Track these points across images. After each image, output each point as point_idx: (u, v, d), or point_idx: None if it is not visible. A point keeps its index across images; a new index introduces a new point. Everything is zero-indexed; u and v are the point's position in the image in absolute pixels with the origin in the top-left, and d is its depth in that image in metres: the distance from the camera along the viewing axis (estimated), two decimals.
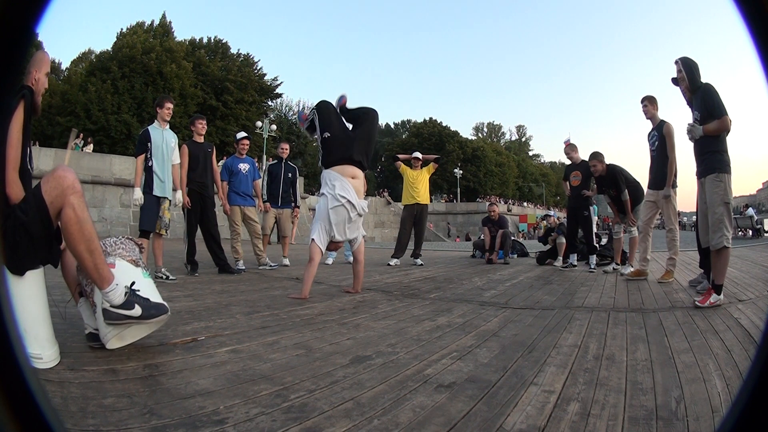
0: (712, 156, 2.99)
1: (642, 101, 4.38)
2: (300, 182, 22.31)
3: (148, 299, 1.61)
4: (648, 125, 4.38)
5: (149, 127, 4.14)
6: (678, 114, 3.92)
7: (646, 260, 4.40)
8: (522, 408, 1.34)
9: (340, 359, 1.82)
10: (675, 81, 3.41)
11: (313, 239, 3.33)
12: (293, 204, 5.96)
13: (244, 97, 30.25)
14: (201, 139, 4.75)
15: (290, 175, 5.87)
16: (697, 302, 2.86)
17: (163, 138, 4.11)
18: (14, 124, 1.60)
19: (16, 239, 1.51)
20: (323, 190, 3.42)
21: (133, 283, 1.60)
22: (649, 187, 4.34)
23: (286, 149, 5.96)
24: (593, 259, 5.51)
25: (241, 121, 29.04)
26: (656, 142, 4.21)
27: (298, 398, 1.39)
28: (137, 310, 1.53)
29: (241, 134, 5.51)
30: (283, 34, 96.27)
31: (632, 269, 4.70)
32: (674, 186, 4.17)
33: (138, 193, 3.99)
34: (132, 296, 1.57)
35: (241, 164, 5.29)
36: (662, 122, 4.21)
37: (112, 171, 15.98)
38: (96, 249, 1.56)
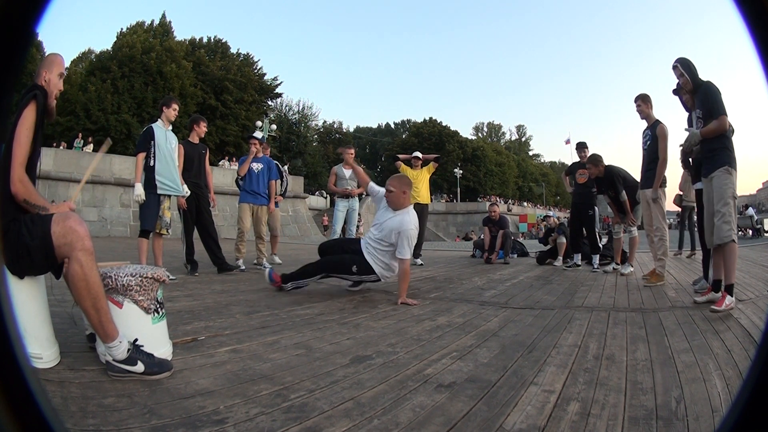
0: (722, 152, 2.93)
1: (635, 100, 4.25)
2: (300, 181, 22.26)
3: (151, 355, 1.57)
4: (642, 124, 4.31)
5: (153, 125, 4.11)
6: (674, 116, 3.90)
7: (660, 260, 4.34)
8: (522, 408, 1.34)
9: (340, 359, 1.82)
10: (675, 92, 3.35)
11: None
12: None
13: (244, 97, 30.24)
14: (197, 141, 4.76)
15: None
16: (713, 307, 2.69)
17: (166, 138, 4.10)
18: (24, 121, 1.54)
19: (18, 252, 1.48)
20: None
21: (136, 340, 1.58)
22: (641, 187, 4.27)
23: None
24: (596, 258, 5.52)
25: (240, 121, 29.04)
26: (648, 142, 4.13)
27: (298, 398, 1.39)
28: (140, 367, 1.51)
29: (255, 134, 5.55)
30: (283, 34, 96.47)
31: (632, 269, 4.79)
32: (663, 185, 4.09)
33: (139, 189, 3.96)
34: (135, 353, 1.54)
35: (254, 163, 5.30)
36: (657, 122, 4.11)
37: (112, 171, 15.94)
38: (102, 307, 1.52)
